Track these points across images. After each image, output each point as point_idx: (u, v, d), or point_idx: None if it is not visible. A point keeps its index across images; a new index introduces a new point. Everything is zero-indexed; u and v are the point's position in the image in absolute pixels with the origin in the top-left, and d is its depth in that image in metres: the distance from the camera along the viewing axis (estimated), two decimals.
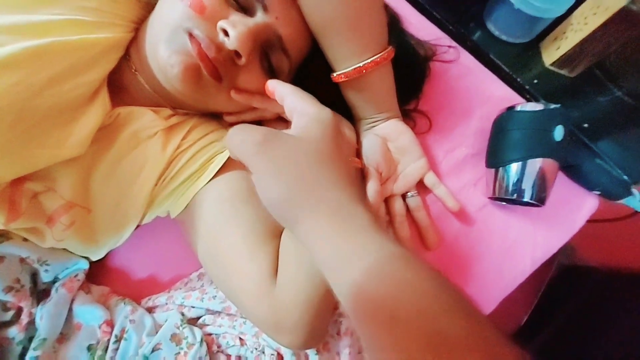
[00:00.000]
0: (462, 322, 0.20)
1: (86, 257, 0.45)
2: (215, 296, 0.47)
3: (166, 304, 0.48)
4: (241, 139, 0.28)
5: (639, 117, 0.59)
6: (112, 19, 0.37)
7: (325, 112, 0.29)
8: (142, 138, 0.41)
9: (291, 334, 0.36)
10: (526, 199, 0.48)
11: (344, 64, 0.42)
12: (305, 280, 0.36)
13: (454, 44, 0.61)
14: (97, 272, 0.50)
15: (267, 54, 0.39)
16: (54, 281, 0.44)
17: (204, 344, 0.44)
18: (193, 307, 0.48)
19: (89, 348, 0.42)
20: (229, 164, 0.42)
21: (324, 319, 0.40)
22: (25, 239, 0.40)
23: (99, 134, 0.38)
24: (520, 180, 0.48)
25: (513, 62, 0.62)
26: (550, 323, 0.97)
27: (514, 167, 0.49)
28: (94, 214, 0.40)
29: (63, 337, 0.42)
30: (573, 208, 0.56)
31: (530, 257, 0.53)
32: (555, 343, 0.94)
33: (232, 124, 0.47)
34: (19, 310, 0.41)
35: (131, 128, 0.40)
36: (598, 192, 0.56)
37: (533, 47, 0.64)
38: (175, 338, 0.44)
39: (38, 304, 0.42)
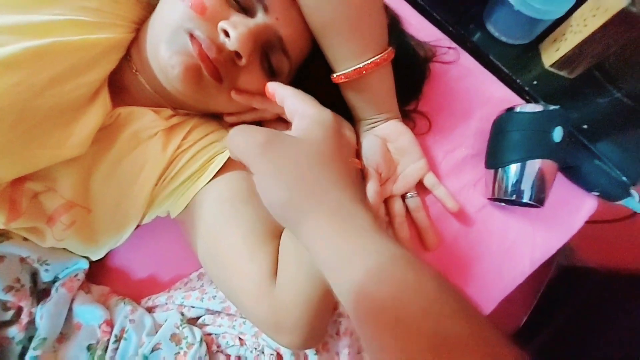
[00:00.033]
0: (463, 322, 0.20)
1: (86, 257, 0.45)
2: (215, 296, 0.47)
3: (166, 303, 0.48)
4: (243, 140, 0.28)
5: (638, 118, 0.60)
6: (113, 19, 0.37)
7: (326, 114, 0.29)
8: (142, 138, 0.41)
9: (291, 334, 0.36)
10: (525, 199, 0.48)
11: (344, 65, 0.42)
12: (305, 280, 0.36)
13: (453, 45, 0.61)
14: (97, 272, 0.50)
15: (267, 54, 0.39)
16: (54, 281, 0.44)
17: (204, 344, 0.44)
18: (193, 307, 0.48)
19: (89, 348, 0.42)
20: (229, 165, 0.42)
21: (323, 319, 0.40)
22: (25, 239, 0.40)
23: (100, 134, 0.38)
24: (519, 181, 0.48)
25: (513, 64, 0.62)
26: (549, 324, 0.97)
27: (513, 168, 0.49)
28: (94, 213, 0.40)
29: (63, 337, 0.42)
30: (572, 209, 0.56)
31: (529, 258, 0.53)
32: (555, 344, 0.94)
33: (232, 125, 0.47)
34: (19, 310, 0.41)
35: (132, 128, 0.40)
36: (597, 193, 0.56)
37: (533, 49, 0.64)
38: (175, 338, 0.44)
39: (38, 303, 0.42)
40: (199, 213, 0.41)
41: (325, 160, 0.26)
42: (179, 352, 0.43)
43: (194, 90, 0.37)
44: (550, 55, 0.61)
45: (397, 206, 0.50)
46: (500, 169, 0.50)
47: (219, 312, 0.48)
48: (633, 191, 0.53)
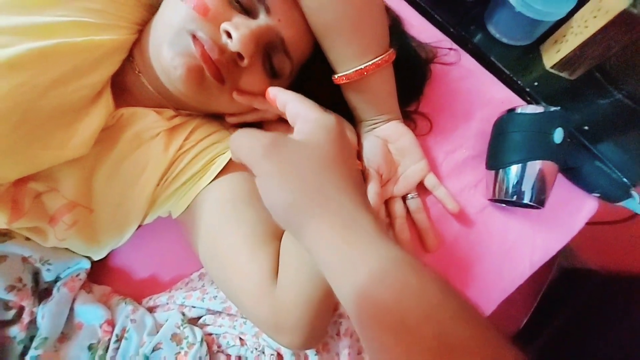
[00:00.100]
0: (465, 325, 0.20)
1: (88, 257, 0.45)
2: (216, 296, 0.48)
3: (167, 303, 0.48)
4: (247, 142, 0.28)
5: (638, 119, 0.60)
6: (116, 20, 0.37)
7: (329, 118, 0.29)
8: (144, 139, 0.41)
9: (291, 334, 0.36)
10: (526, 200, 0.48)
11: (346, 66, 0.42)
12: (305, 281, 0.36)
13: (454, 46, 0.62)
14: (99, 272, 0.50)
15: (269, 55, 0.39)
16: (56, 280, 0.44)
17: (205, 344, 0.44)
18: (194, 307, 0.48)
19: (90, 347, 0.42)
20: (231, 165, 0.42)
21: (324, 319, 0.40)
22: (27, 239, 0.40)
23: (102, 134, 0.38)
24: (520, 182, 0.48)
25: (513, 65, 0.62)
26: (549, 325, 0.97)
27: (514, 169, 0.49)
28: (96, 213, 0.40)
29: (64, 337, 0.42)
30: (572, 210, 0.56)
31: (530, 259, 0.53)
32: (555, 345, 0.94)
33: (234, 125, 0.47)
34: (21, 310, 0.41)
35: (134, 129, 0.40)
36: (597, 195, 0.56)
37: (533, 50, 0.64)
38: (175, 338, 0.44)
39: (40, 303, 0.42)
40: (200, 213, 0.42)
41: (328, 163, 0.26)
42: (179, 352, 0.43)
43: (196, 91, 0.37)
44: (551, 56, 0.61)
45: (398, 207, 0.50)
46: (501, 170, 0.50)
47: (219, 312, 0.48)
48: (634, 192, 0.53)
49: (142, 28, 0.40)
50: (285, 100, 0.31)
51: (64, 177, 0.37)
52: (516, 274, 0.53)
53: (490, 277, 0.52)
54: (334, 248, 0.24)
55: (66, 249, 0.42)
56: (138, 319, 0.45)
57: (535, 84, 0.61)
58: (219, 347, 0.45)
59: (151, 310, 0.48)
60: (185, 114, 0.45)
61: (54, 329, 0.41)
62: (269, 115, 0.45)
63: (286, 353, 0.44)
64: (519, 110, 0.50)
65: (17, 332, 0.40)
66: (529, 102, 0.61)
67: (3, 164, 0.32)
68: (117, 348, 0.42)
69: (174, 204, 0.43)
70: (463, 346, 0.20)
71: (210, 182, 0.42)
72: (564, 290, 1.00)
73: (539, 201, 0.48)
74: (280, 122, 0.46)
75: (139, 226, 0.43)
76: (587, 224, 0.56)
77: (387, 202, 0.51)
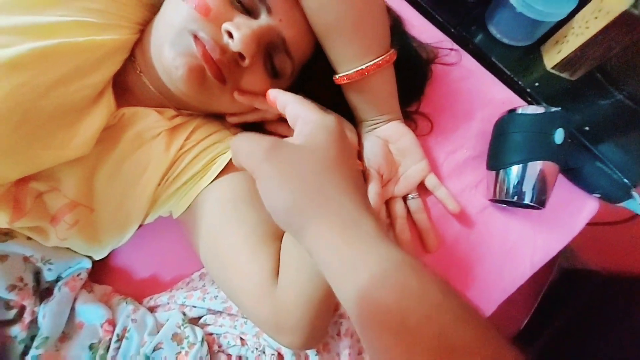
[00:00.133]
0: (466, 327, 0.20)
1: (89, 257, 0.46)
2: (217, 296, 0.48)
3: (168, 303, 0.48)
4: (248, 146, 0.28)
5: (639, 120, 0.60)
6: (117, 20, 0.37)
7: (329, 119, 0.28)
8: (146, 138, 0.41)
9: (292, 335, 0.36)
10: (526, 201, 0.48)
11: (346, 66, 0.42)
12: (306, 281, 0.36)
13: (455, 46, 0.62)
14: (100, 272, 0.50)
15: (270, 55, 0.39)
16: (57, 280, 0.45)
17: (205, 344, 0.44)
18: (194, 306, 0.48)
19: (91, 347, 0.42)
20: (232, 165, 0.42)
21: (324, 319, 0.40)
22: (29, 238, 0.40)
23: (104, 134, 0.38)
24: (520, 182, 0.48)
25: (514, 65, 0.62)
26: (550, 326, 0.97)
27: (515, 170, 0.49)
28: (97, 213, 0.40)
29: (65, 336, 0.42)
30: (573, 211, 0.56)
31: (530, 260, 0.53)
32: (555, 346, 0.94)
33: (235, 125, 0.47)
34: (22, 309, 0.41)
35: (135, 128, 0.40)
36: (598, 195, 0.56)
37: (534, 51, 0.64)
38: (176, 337, 0.44)
39: (41, 302, 0.42)
40: (201, 213, 0.42)
41: (329, 165, 0.26)
42: (180, 352, 0.43)
43: (198, 91, 0.37)
44: (552, 57, 0.61)
45: (399, 207, 0.50)
46: (501, 171, 0.50)
47: (220, 312, 0.48)
48: (634, 193, 0.53)
49: (144, 28, 0.40)
50: (285, 102, 0.31)
51: (65, 176, 0.37)
52: (517, 274, 0.53)
53: (490, 277, 0.52)
54: (335, 249, 0.24)
55: (67, 248, 0.42)
56: (139, 318, 0.45)
57: (536, 84, 0.61)
58: (220, 347, 0.46)
59: (152, 310, 0.48)
60: (187, 114, 0.45)
61: (55, 328, 0.41)
62: (270, 115, 0.45)
63: (287, 353, 0.44)
64: (519, 111, 0.50)
65: (18, 331, 0.40)
66: (529, 103, 0.61)
67: (4, 164, 0.32)
68: (118, 348, 0.42)
69: (174, 204, 0.43)
70: (463, 347, 0.20)
71: (211, 182, 0.42)
72: (564, 291, 1.00)
73: (540, 202, 0.48)
74: (281, 122, 0.46)
75: (140, 226, 0.43)
76: (588, 224, 0.56)
77: (388, 203, 0.51)
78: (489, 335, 0.20)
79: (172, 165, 0.42)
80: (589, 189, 0.56)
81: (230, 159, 0.42)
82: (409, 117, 0.54)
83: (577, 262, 1.01)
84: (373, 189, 0.46)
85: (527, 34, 0.62)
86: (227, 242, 0.40)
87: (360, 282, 0.22)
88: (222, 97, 0.39)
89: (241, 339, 0.46)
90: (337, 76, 0.43)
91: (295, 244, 0.38)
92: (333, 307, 0.43)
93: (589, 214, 0.56)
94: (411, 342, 0.20)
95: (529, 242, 0.54)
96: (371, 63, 0.41)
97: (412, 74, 0.51)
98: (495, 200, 0.53)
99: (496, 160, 0.52)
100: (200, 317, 0.48)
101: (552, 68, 0.61)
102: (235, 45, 0.35)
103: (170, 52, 0.35)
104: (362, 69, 0.41)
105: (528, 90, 0.61)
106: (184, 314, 0.47)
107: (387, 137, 0.49)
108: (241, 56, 0.36)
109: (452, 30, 0.64)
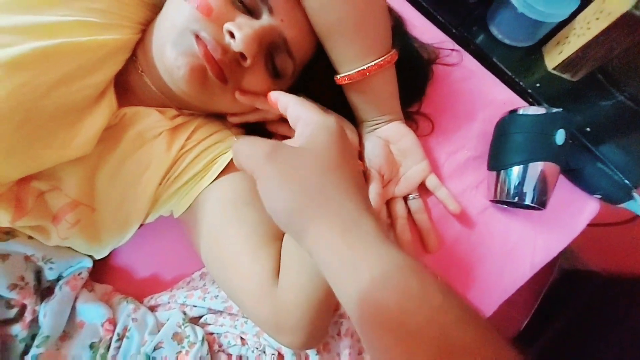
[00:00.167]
0: (467, 328, 0.21)
1: (90, 256, 0.46)
2: (217, 296, 0.48)
3: (168, 302, 0.48)
4: (249, 149, 0.28)
5: None
6: (119, 20, 0.37)
7: (331, 120, 0.28)
8: (147, 138, 0.41)
9: (292, 335, 0.36)
10: (527, 202, 0.48)
11: (348, 67, 0.42)
12: (306, 281, 0.36)
13: (457, 47, 0.62)
14: (101, 271, 0.50)
15: (272, 56, 0.39)
16: (58, 279, 0.45)
17: (206, 343, 0.44)
18: (195, 306, 0.48)
19: (92, 346, 0.42)
20: (233, 165, 0.42)
21: (324, 319, 0.40)
22: (30, 237, 0.40)
23: (105, 133, 0.38)
24: (521, 183, 0.48)
25: (516, 66, 0.62)
26: (550, 327, 0.97)
27: (516, 170, 0.49)
28: (98, 212, 0.40)
29: (66, 335, 0.43)
30: (574, 212, 0.56)
31: (531, 261, 0.53)
32: (556, 347, 0.94)
33: (236, 125, 0.48)
34: (23, 308, 0.41)
35: (137, 128, 0.40)
36: (599, 196, 0.56)
37: (536, 51, 0.64)
38: (177, 337, 0.44)
39: (42, 301, 0.42)
40: (202, 213, 0.42)
41: (330, 166, 0.26)
42: (180, 351, 0.43)
43: (199, 91, 0.37)
44: (554, 57, 0.61)
45: (399, 208, 0.50)
46: (502, 171, 0.51)
47: (221, 312, 0.48)
48: (635, 194, 0.53)
49: (146, 28, 0.40)
50: (287, 104, 0.31)
51: (67, 176, 0.38)
52: (517, 275, 0.53)
53: (491, 278, 0.52)
54: (335, 250, 0.24)
55: (68, 247, 0.42)
56: (139, 317, 0.45)
57: (538, 85, 0.61)
58: (220, 346, 0.46)
59: (152, 309, 0.48)
60: (188, 114, 0.45)
61: (55, 327, 0.41)
62: (271, 115, 0.45)
63: (287, 353, 0.44)
64: (521, 112, 0.50)
65: (19, 330, 0.40)
66: (531, 104, 0.61)
67: (6, 164, 0.32)
68: (119, 347, 0.42)
69: (175, 204, 0.43)
70: (464, 348, 0.20)
71: (212, 181, 0.42)
72: (565, 291, 1.00)
73: (541, 202, 0.48)
74: (282, 122, 0.46)
75: (141, 225, 0.43)
76: (589, 225, 0.56)
77: (389, 203, 0.51)
78: (489, 336, 0.20)
79: (173, 164, 0.42)
80: (589, 189, 0.56)
81: (231, 159, 0.42)
82: (410, 118, 0.54)
83: (577, 263, 1.01)
84: (374, 190, 0.46)
85: (529, 34, 0.62)
86: (228, 242, 0.40)
87: (361, 283, 0.22)
88: (223, 97, 0.39)
89: (241, 338, 0.46)
90: (338, 76, 0.43)
91: (295, 244, 0.38)
92: (333, 307, 0.43)
93: (590, 214, 0.56)
94: (412, 342, 0.20)
95: (529, 243, 0.54)
96: (372, 63, 0.41)
97: (413, 74, 0.51)
98: (496, 201, 0.53)
99: (497, 160, 0.52)
100: (200, 317, 0.48)
101: (554, 69, 0.61)
102: (236, 45, 0.35)
103: (172, 51, 0.35)
104: (364, 69, 0.41)
105: (529, 91, 0.61)
106: (185, 313, 0.47)
107: (388, 138, 0.49)
108: (243, 56, 0.36)
109: (454, 31, 0.64)
